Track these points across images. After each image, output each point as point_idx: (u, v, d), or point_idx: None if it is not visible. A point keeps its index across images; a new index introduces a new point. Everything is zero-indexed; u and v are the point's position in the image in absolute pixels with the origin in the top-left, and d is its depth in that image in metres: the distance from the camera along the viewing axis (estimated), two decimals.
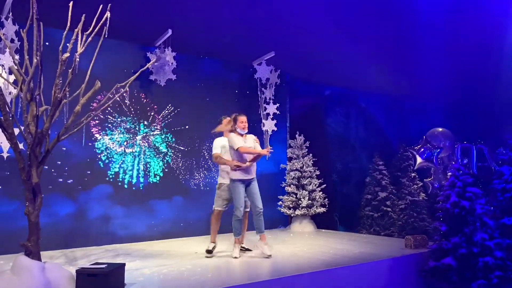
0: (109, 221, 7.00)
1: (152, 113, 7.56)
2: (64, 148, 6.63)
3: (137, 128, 7.38)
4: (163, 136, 7.66)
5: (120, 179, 7.15)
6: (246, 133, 5.70)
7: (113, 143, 7.11)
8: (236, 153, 5.53)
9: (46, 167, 6.15)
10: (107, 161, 7.03)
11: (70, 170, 6.68)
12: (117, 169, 7.12)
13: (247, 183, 5.59)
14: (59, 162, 6.59)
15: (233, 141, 5.52)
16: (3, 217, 6.00)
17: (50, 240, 6.00)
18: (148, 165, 7.44)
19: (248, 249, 6.02)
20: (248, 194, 5.63)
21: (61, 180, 6.58)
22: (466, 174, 5.90)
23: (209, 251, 5.70)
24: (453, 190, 5.76)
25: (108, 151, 7.06)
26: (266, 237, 5.68)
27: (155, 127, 7.57)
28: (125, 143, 7.22)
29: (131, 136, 7.32)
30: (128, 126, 7.28)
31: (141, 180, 7.34)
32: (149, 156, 7.45)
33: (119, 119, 7.20)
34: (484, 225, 5.56)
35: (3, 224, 5.93)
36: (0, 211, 5.98)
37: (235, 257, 5.47)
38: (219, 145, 5.88)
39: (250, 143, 5.66)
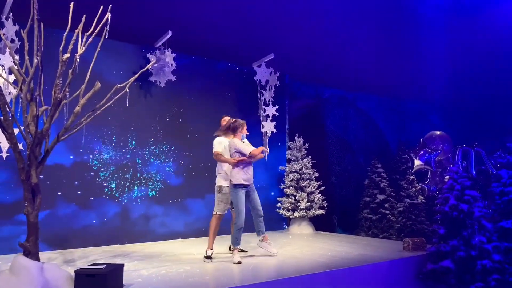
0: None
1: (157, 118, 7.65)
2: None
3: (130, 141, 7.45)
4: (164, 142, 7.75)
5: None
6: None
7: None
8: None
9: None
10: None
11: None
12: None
13: (248, 188, 5.59)
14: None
15: (243, 147, 5.55)
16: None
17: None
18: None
19: (243, 250, 6.05)
20: (250, 199, 5.64)
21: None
22: (464, 177, 5.92)
23: (209, 257, 5.54)
24: (451, 193, 5.78)
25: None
26: (268, 236, 5.79)
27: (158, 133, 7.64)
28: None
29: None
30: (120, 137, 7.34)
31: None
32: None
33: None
34: (483, 228, 5.58)
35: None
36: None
37: (239, 262, 5.27)
38: (220, 144, 5.84)
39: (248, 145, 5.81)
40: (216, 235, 5.74)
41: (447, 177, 7.07)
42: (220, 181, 5.82)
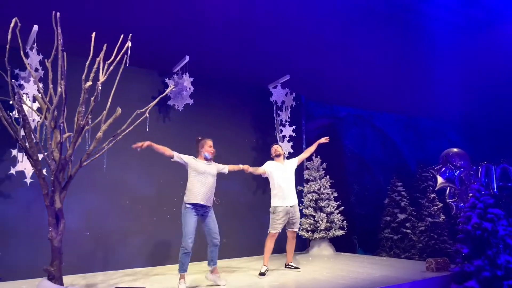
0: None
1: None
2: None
3: None
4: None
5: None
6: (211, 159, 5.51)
7: None
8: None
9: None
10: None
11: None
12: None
13: (201, 212, 5.32)
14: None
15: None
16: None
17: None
18: None
19: (296, 267, 6.45)
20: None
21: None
22: (487, 195, 5.81)
23: (262, 274, 5.86)
24: (473, 211, 5.67)
25: None
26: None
27: None
28: None
29: None
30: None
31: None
32: None
33: None
34: (508, 247, 5.44)
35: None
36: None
37: None
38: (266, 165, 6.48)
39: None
40: (270, 253, 6.09)
41: (470, 194, 6.96)
42: (274, 202, 6.24)
